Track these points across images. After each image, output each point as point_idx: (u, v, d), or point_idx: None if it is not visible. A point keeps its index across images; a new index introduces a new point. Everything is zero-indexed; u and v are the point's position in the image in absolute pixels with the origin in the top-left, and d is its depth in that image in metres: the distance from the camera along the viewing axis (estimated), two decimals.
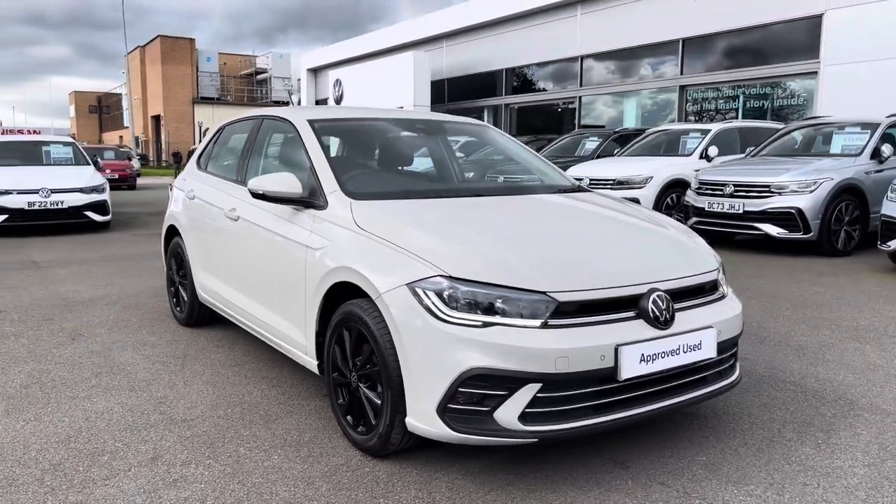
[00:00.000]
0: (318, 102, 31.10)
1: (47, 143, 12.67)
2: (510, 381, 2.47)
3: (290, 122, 3.86)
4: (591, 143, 13.21)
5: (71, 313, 5.42)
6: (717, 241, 9.33)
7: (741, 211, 8.47)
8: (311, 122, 3.73)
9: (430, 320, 2.54)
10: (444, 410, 2.52)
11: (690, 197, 9.22)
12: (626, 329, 2.62)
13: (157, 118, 52.97)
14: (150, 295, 6.03)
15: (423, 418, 2.57)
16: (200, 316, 4.79)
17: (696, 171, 9.54)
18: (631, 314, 2.67)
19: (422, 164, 4.34)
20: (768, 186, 8.31)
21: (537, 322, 2.51)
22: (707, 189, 8.94)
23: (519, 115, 21.21)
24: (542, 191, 3.89)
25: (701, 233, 9.29)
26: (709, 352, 2.80)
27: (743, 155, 10.03)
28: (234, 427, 3.20)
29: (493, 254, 2.71)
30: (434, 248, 2.73)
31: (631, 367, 2.57)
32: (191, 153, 31.57)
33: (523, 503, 2.53)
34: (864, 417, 3.33)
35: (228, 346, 4.48)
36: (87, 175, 11.43)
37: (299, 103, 34.22)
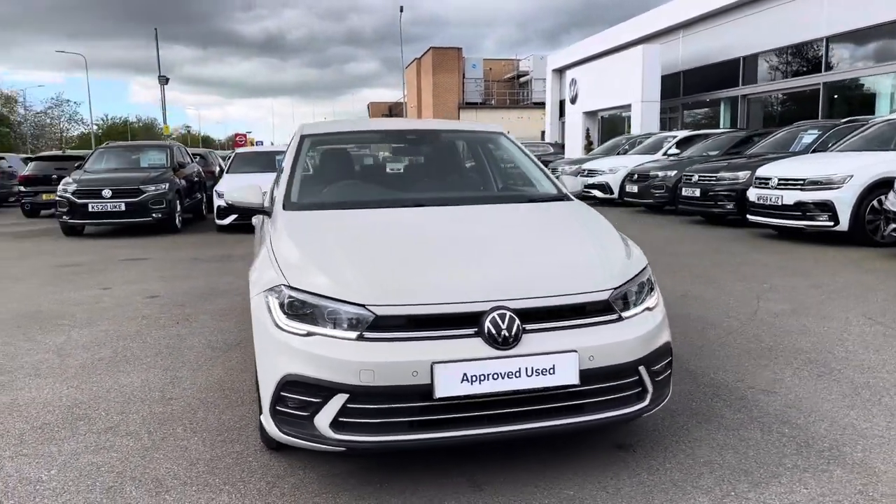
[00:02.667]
0: (562, 103, 31.28)
1: (280, 153, 14.62)
2: (323, 390, 2.54)
3: (297, 135, 4.22)
4: (808, 137, 11.67)
5: (201, 302, 6.37)
6: None
7: None
8: (304, 137, 4.06)
9: (270, 326, 2.71)
10: (274, 412, 2.68)
11: (890, 200, 7.79)
12: (457, 347, 2.53)
13: None
14: None
15: (265, 417, 2.75)
16: None
17: None
18: (470, 332, 2.57)
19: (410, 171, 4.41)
20: None
21: (353, 334, 2.55)
22: None
23: (756, 107, 19.33)
24: (491, 201, 3.78)
25: None
26: (566, 377, 2.57)
27: None
28: (197, 409, 3.64)
29: (333, 266, 2.78)
30: (292, 258, 2.89)
31: (448, 386, 2.48)
32: None
33: None
34: (831, 474, 2.75)
35: None
36: None
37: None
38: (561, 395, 2.62)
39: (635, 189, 14.10)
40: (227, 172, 13.67)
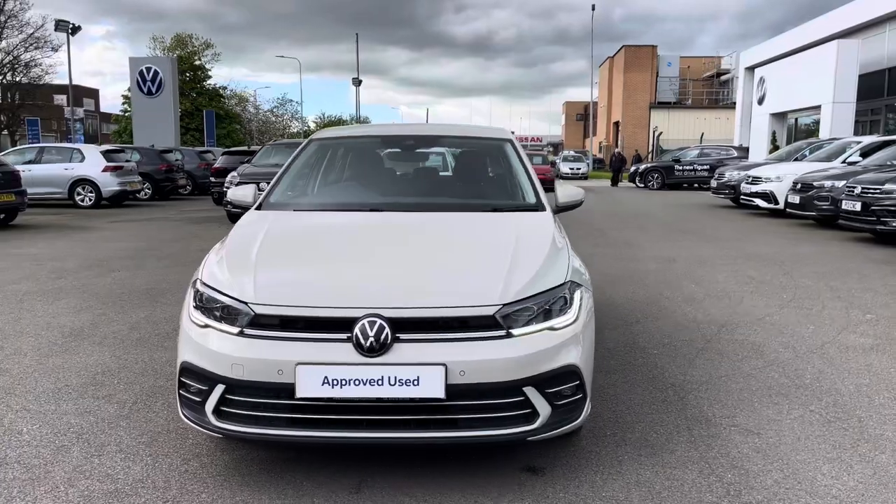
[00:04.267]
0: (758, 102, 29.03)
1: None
2: (207, 380, 2.73)
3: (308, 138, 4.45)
4: None
5: None
6: None
7: None
8: (311, 140, 4.27)
9: (185, 316, 2.96)
10: (179, 396, 2.91)
11: None
12: (325, 350, 2.60)
13: (617, 124, 55.78)
14: None
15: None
16: None
17: None
18: (342, 337, 2.62)
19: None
20: None
21: (235, 330, 2.71)
22: None
23: None
24: (451, 208, 3.71)
25: None
26: (431, 390, 2.53)
27: None
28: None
29: (240, 265, 2.96)
30: (218, 255, 3.11)
31: (309, 387, 2.56)
32: (637, 157, 33.14)
33: (218, 500, 2.75)
34: None
35: None
36: None
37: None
38: (430, 407, 2.58)
39: (797, 200, 12.79)
40: None
